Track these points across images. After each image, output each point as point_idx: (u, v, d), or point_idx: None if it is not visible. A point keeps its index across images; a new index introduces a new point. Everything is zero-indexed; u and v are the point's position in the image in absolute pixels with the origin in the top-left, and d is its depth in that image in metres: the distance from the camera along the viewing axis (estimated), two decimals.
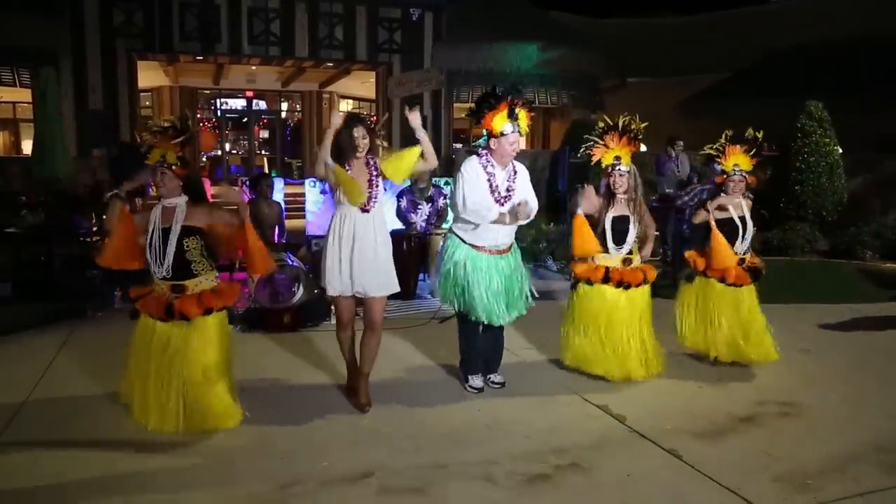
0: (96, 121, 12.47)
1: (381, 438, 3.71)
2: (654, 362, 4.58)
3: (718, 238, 4.72)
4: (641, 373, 4.52)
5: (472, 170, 4.16)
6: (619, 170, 4.44)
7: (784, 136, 10.26)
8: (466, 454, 3.53)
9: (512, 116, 4.02)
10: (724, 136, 4.85)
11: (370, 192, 3.86)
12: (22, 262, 7.34)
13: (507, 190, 4.17)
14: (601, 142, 4.49)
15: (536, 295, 4.42)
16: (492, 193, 4.13)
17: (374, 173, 3.91)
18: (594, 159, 4.51)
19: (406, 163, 3.93)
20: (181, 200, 3.71)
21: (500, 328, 4.45)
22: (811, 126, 10.09)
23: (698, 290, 4.96)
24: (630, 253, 4.54)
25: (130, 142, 11.10)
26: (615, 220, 4.48)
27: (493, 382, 4.50)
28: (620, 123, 4.46)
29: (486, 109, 4.06)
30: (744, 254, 4.90)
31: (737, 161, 4.81)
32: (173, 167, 3.66)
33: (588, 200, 4.47)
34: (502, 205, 4.13)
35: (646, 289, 4.61)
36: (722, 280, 4.83)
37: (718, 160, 4.87)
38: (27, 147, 15.94)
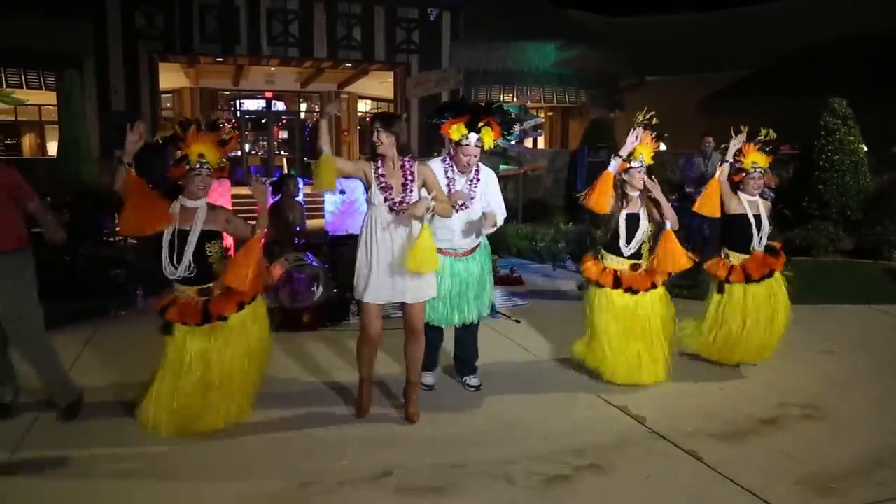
0: (118, 122, 12.62)
1: (399, 438, 3.72)
2: (660, 368, 4.50)
3: (714, 185, 4.68)
4: (648, 378, 4.48)
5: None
6: (638, 166, 4.41)
7: (807, 133, 10.13)
8: (484, 454, 3.53)
9: (472, 130, 3.96)
10: (737, 132, 4.79)
11: (403, 195, 3.71)
12: (46, 262, 7.43)
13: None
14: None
15: (498, 308, 4.34)
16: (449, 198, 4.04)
17: (410, 177, 3.74)
18: (621, 151, 4.42)
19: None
20: (203, 202, 3.66)
21: (474, 331, 4.41)
22: (835, 123, 9.94)
23: (728, 298, 4.81)
24: (639, 257, 4.49)
25: (152, 143, 11.26)
26: (628, 217, 4.45)
27: (468, 385, 4.45)
28: (641, 118, 4.43)
29: (448, 116, 4.02)
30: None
31: (755, 159, 4.77)
32: (212, 168, 3.60)
33: (634, 137, 4.36)
34: (458, 210, 4.02)
35: (656, 294, 4.51)
36: (748, 279, 4.74)
37: (737, 158, 4.81)
38: (52, 149, 16.22)
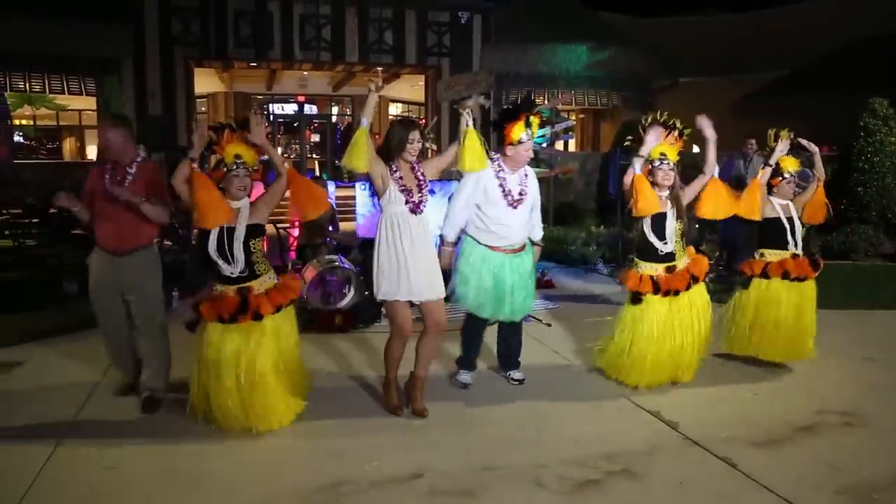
0: (155, 126, 12.90)
1: (431, 440, 3.73)
2: (688, 368, 4.50)
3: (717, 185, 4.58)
4: (675, 378, 4.49)
5: (478, 177, 4.24)
6: (665, 164, 4.37)
7: (845, 134, 9.90)
8: (515, 457, 3.52)
9: (527, 125, 4.23)
10: (770, 137, 4.76)
11: (420, 196, 3.87)
12: (86, 264, 7.62)
13: (520, 193, 4.32)
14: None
15: (529, 311, 4.58)
16: (504, 197, 4.27)
17: (422, 177, 3.92)
18: (642, 151, 4.41)
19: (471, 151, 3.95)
20: (245, 203, 3.72)
21: (518, 325, 4.56)
22: (875, 125, 9.68)
23: (758, 294, 4.80)
24: (672, 258, 4.44)
25: (188, 146, 11.48)
26: (655, 217, 4.41)
27: (512, 379, 4.61)
28: (662, 119, 4.41)
29: (507, 122, 4.27)
30: (797, 252, 4.80)
31: (786, 164, 4.81)
32: (251, 169, 3.67)
33: (654, 135, 4.37)
34: (515, 207, 4.28)
35: (696, 291, 4.46)
36: (785, 275, 4.70)
37: (769, 162, 4.78)
38: (91, 152, 16.62)
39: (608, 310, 5.91)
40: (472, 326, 4.51)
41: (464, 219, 4.33)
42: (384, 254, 3.85)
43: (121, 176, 3.93)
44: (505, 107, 4.41)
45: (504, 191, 4.26)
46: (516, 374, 4.62)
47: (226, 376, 3.63)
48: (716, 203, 4.54)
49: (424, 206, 3.90)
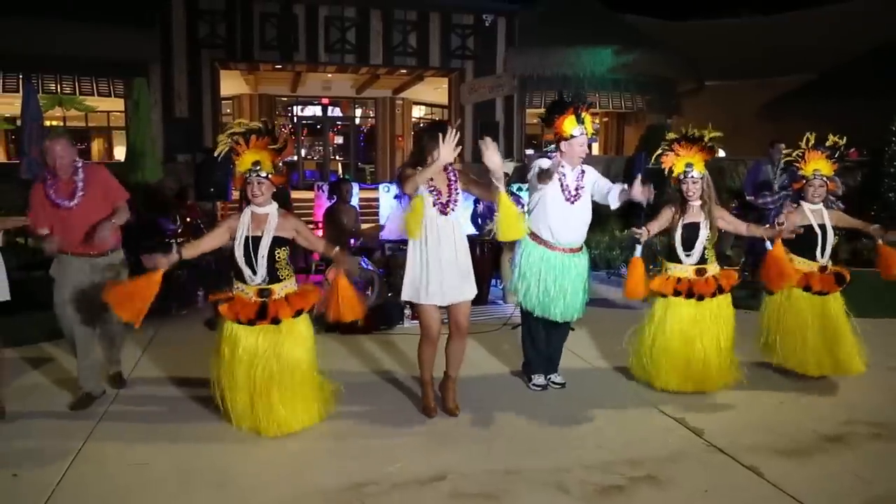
0: (181, 128, 13.06)
1: (453, 442, 3.73)
2: (725, 374, 4.43)
3: (778, 251, 4.51)
4: (712, 386, 4.41)
5: (541, 165, 4.32)
6: (692, 176, 4.35)
7: (876, 139, 9.74)
8: (538, 461, 3.50)
9: (579, 120, 4.23)
10: (804, 140, 4.66)
11: (449, 197, 3.87)
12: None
13: (577, 189, 4.35)
14: (671, 150, 4.40)
15: (588, 299, 4.57)
16: (562, 192, 4.31)
17: (453, 178, 3.92)
18: (665, 167, 4.43)
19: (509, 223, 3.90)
20: (272, 208, 3.75)
21: (565, 329, 4.61)
22: None
23: (782, 302, 4.74)
24: (703, 262, 4.41)
25: (213, 148, 11.59)
26: (686, 227, 4.38)
27: (553, 382, 4.62)
28: (689, 132, 4.37)
29: (556, 114, 4.27)
30: (825, 264, 4.69)
31: (817, 166, 4.63)
32: (269, 175, 3.69)
33: (659, 222, 4.46)
34: (573, 203, 4.31)
35: (722, 300, 4.44)
36: (807, 288, 4.63)
37: (797, 165, 4.68)
38: (118, 153, 16.89)
39: (632, 314, 5.84)
40: (531, 328, 4.54)
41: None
42: (410, 255, 3.92)
43: (71, 187, 4.00)
44: (554, 100, 4.43)
45: (562, 185, 4.30)
46: (557, 378, 4.63)
47: (239, 375, 3.67)
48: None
49: (454, 207, 3.89)
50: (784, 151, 4.89)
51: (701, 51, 16.54)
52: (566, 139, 4.26)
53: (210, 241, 3.78)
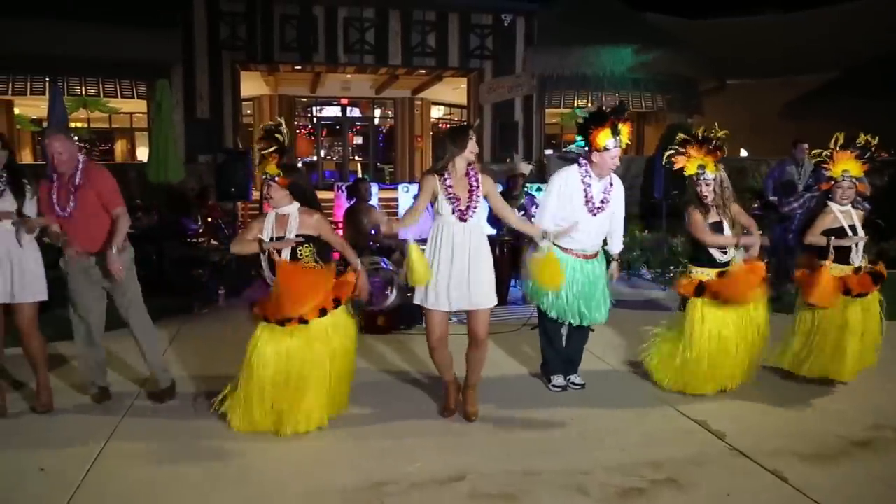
0: (203, 128, 13.18)
1: (472, 443, 3.73)
2: (741, 375, 4.39)
3: (825, 273, 4.41)
4: (725, 386, 4.39)
5: (564, 181, 4.32)
6: (705, 178, 4.32)
7: None
8: (558, 463, 3.48)
9: (615, 132, 4.20)
10: (833, 140, 4.58)
11: (469, 203, 3.81)
12: (136, 261, 7.84)
13: (602, 202, 4.31)
14: (683, 151, 4.36)
15: (614, 302, 4.54)
16: (586, 203, 4.27)
17: (475, 184, 3.85)
18: (676, 167, 4.40)
19: None
20: (293, 208, 3.79)
21: (586, 331, 4.58)
22: None
23: (819, 311, 4.58)
24: (728, 265, 4.36)
25: (234, 148, 11.68)
26: (712, 226, 4.34)
27: (573, 383, 4.60)
28: (700, 134, 4.34)
29: (593, 127, 4.23)
30: (859, 264, 4.60)
31: (846, 167, 4.53)
32: (276, 178, 3.73)
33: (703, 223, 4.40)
34: (595, 215, 4.28)
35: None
36: (846, 293, 4.50)
37: (825, 166, 4.60)
38: (141, 154, 17.10)
39: (652, 316, 5.81)
40: (548, 329, 4.54)
41: (553, 222, 4.31)
42: (430, 255, 3.89)
43: (71, 187, 3.97)
44: (593, 110, 4.39)
45: (587, 197, 4.27)
46: (577, 380, 4.62)
47: (266, 375, 3.68)
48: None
49: (473, 213, 3.83)
50: (814, 152, 4.78)
51: (722, 49, 16.35)
52: (599, 151, 4.21)
53: (245, 245, 3.85)
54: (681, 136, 4.43)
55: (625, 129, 4.23)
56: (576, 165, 4.36)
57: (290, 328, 3.69)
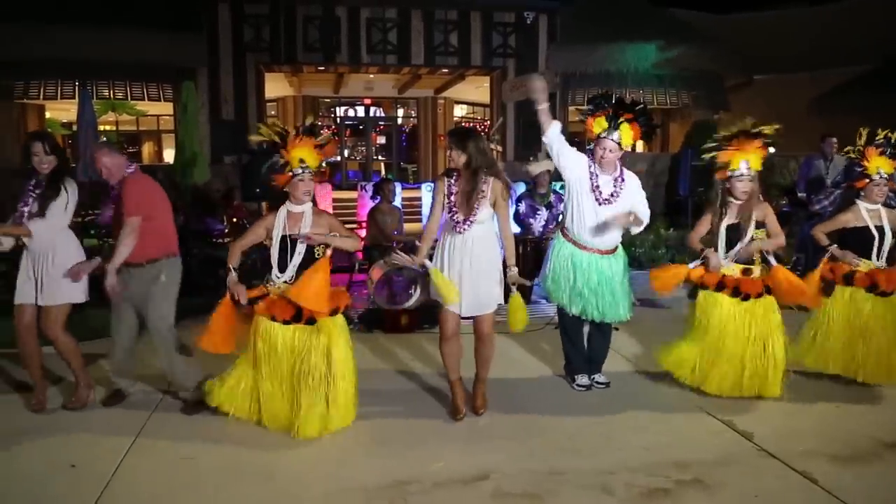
0: (228, 130, 13.32)
1: (496, 442, 3.72)
2: (772, 382, 4.24)
3: (781, 274, 4.29)
4: (749, 392, 4.25)
5: (579, 159, 4.31)
6: (746, 175, 4.20)
7: None
8: (582, 462, 3.46)
9: (611, 124, 4.10)
10: (858, 136, 4.49)
11: (466, 214, 3.80)
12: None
13: (611, 195, 4.22)
14: (729, 145, 4.24)
15: (637, 302, 4.50)
16: (592, 191, 4.22)
17: (481, 195, 3.80)
18: (721, 161, 4.28)
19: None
20: (307, 207, 3.79)
21: (608, 329, 4.52)
22: None
23: (840, 304, 4.52)
24: (751, 262, 4.28)
25: (258, 149, 11.78)
26: (730, 227, 4.26)
27: (598, 382, 4.57)
28: (748, 127, 4.21)
29: (591, 111, 4.19)
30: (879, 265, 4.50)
31: (879, 164, 4.44)
32: (312, 172, 3.71)
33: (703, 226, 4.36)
34: (601, 205, 4.21)
35: (769, 301, 4.29)
36: (871, 289, 4.42)
37: (862, 163, 4.50)
38: (168, 156, 17.33)
39: (677, 314, 5.74)
40: (568, 327, 4.51)
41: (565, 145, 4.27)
42: (435, 257, 3.98)
43: (113, 198, 4.06)
44: (595, 96, 4.31)
45: (592, 185, 4.21)
46: (601, 378, 4.58)
47: (271, 373, 3.71)
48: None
49: (468, 226, 3.81)
50: (846, 149, 4.69)
51: (750, 44, 16.09)
52: (593, 139, 4.18)
53: (249, 240, 3.85)
54: (731, 129, 4.25)
55: (626, 129, 4.11)
56: (588, 154, 4.34)
57: (295, 326, 3.69)
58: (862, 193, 4.52)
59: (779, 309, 4.32)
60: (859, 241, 4.48)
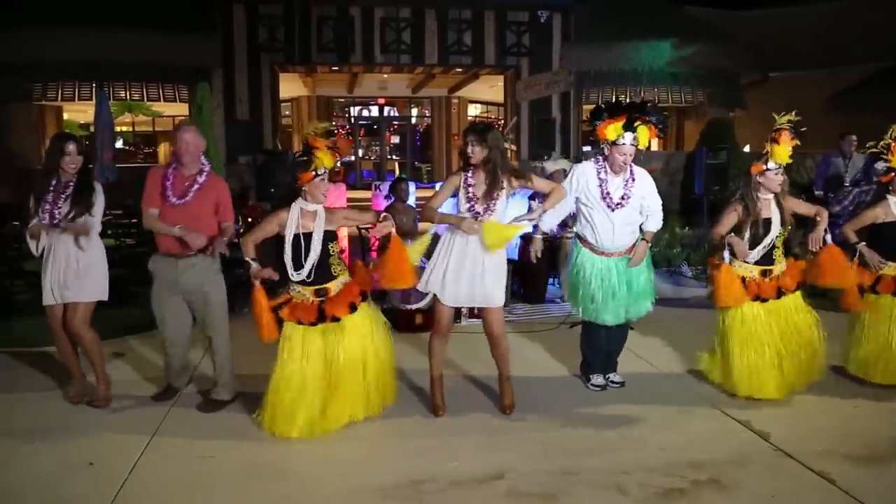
0: (243, 130, 13.38)
1: (511, 441, 3.72)
2: (793, 381, 4.22)
3: (834, 252, 4.27)
4: (777, 393, 4.20)
5: (577, 176, 4.27)
6: (775, 168, 4.17)
7: None
8: (597, 462, 3.45)
9: (629, 129, 4.06)
10: (890, 133, 4.45)
11: (486, 205, 3.83)
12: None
13: (622, 198, 4.20)
14: (779, 139, 4.16)
15: (655, 298, 4.47)
16: (603, 199, 4.19)
17: (497, 189, 3.83)
18: (774, 159, 4.17)
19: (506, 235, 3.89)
20: (321, 206, 3.83)
21: (625, 329, 4.52)
22: None
23: (873, 310, 4.44)
24: (771, 262, 4.24)
25: (273, 149, 11.82)
26: (754, 224, 4.21)
27: (613, 382, 4.56)
28: (788, 119, 4.16)
29: (605, 117, 4.13)
30: None
31: None
32: (328, 172, 3.76)
33: (726, 225, 4.27)
34: (613, 210, 4.18)
35: (790, 300, 4.25)
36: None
37: (886, 158, 4.45)
38: None
39: (693, 313, 5.73)
40: (589, 329, 4.49)
41: (561, 215, 4.32)
42: (438, 248, 3.97)
43: (188, 183, 4.04)
44: (605, 103, 4.30)
45: (603, 192, 4.20)
46: (616, 378, 4.58)
47: (302, 375, 3.73)
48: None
49: (489, 216, 3.84)
50: (869, 144, 4.64)
51: (765, 41, 15.95)
52: (609, 144, 4.13)
53: (260, 234, 3.87)
54: (787, 117, 4.20)
55: (643, 131, 4.09)
56: (592, 160, 4.30)
57: (322, 327, 3.74)
58: (890, 188, 4.48)
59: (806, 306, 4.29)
60: (889, 239, 4.42)
